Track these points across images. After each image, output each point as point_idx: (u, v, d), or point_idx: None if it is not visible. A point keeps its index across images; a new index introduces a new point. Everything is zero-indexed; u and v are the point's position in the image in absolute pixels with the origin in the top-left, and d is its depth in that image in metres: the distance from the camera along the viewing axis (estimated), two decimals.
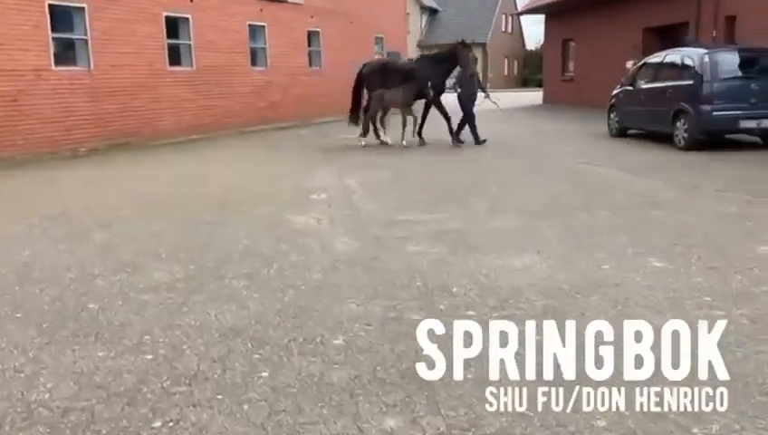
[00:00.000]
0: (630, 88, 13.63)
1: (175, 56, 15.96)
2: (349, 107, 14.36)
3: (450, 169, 10.39)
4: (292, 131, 17.95)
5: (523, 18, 58.61)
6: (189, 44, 16.23)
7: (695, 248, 5.37)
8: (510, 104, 28.91)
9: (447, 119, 13.25)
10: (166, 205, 7.89)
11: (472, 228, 6.31)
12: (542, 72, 32.94)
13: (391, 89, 13.25)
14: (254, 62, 18.91)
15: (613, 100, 14.49)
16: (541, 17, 33.70)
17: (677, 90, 11.68)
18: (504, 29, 57.44)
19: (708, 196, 7.63)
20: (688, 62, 11.76)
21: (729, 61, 11.41)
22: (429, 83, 13.04)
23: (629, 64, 21.29)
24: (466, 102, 13.31)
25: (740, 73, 11.33)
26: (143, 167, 11.60)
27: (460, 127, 13.50)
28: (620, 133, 14.14)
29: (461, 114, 13.50)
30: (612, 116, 14.46)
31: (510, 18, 58.46)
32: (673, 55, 12.57)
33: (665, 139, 12.21)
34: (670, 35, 19.94)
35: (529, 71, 58.14)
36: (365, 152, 12.87)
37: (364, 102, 14.14)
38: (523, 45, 62.01)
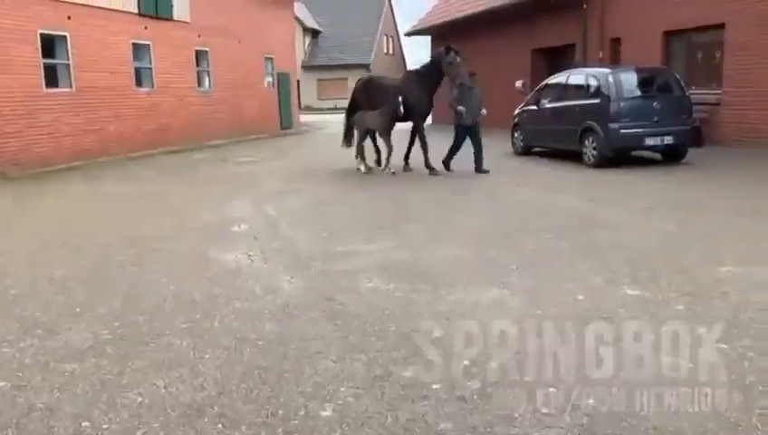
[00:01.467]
0: (535, 107, 13.80)
1: (52, 77, 14.51)
2: (243, 126, 13.44)
3: (371, 192, 9.91)
4: (186, 156, 16.85)
5: (405, 40, 59.88)
6: (68, 64, 14.82)
7: (660, 273, 5.19)
8: (401, 126, 29.12)
9: (425, 145, 11.62)
10: (64, 246, 6.87)
11: (421, 258, 5.86)
12: None
13: (376, 109, 11.78)
14: (139, 83, 17.63)
15: (516, 119, 14.65)
16: (422, 39, 34.33)
17: (585, 109, 11.90)
18: (386, 51, 58.13)
19: (641, 214, 7.63)
20: (593, 81, 12.02)
21: (631, 80, 11.77)
22: (404, 101, 11.23)
23: (519, 84, 21.88)
24: (466, 124, 11.53)
25: (641, 92, 11.71)
26: (26, 201, 10.27)
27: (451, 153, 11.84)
28: (525, 152, 14.29)
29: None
30: (516, 135, 14.61)
31: (391, 40, 59.34)
32: (577, 75, 12.84)
33: (572, 156, 12.40)
34: (558, 56, 20.68)
35: None
36: (273, 176, 12.14)
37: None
38: (405, 67, 63.08)
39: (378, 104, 11.71)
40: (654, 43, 16.01)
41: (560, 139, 12.85)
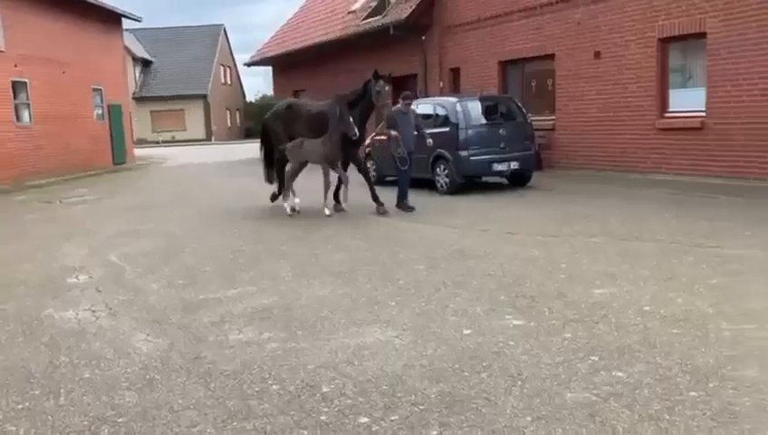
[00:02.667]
0: (385, 137, 13.78)
1: None
2: (71, 162, 12.01)
3: (226, 229, 9.24)
4: (3, 198, 15.05)
5: (242, 70, 58.99)
6: None
7: (538, 299, 5.15)
8: (244, 156, 28.32)
9: (367, 176, 10.65)
10: None
11: (291, 302, 5.41)
12: None
13: (307, 138, 10.24)
14: None
15: (368, 149, 14.56)
16: (262, 69, 33.95)
17: (435, 137, 12.02)
18: (223, 81, 56.85)
19: (505, 239, 7.69)
20: (441, 111, 12.25)
21: (477, 108, 12.12)
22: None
23: None
24: (403, 154, 10.38)
25: (487, 120, 12.08)
26: None
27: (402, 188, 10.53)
28: (379, 181, 14.22)
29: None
30: (369, 164, 14.51)
31: (228, 70, 58.16)
32: (425, 104, 13.02)
33: (425, 184, 12.50)
34: (400, 86, 21.08)
35: (252, 122, 58.21)
36: (112, 218, 11.05)
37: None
38: (244, 97, 62.04)
39: (301, 134, 10.41)
40: (491, 73, 16.77)
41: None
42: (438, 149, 11.84)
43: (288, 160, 10.63)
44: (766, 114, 10.91)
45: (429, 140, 10.54)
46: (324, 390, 3.61)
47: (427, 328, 4.58)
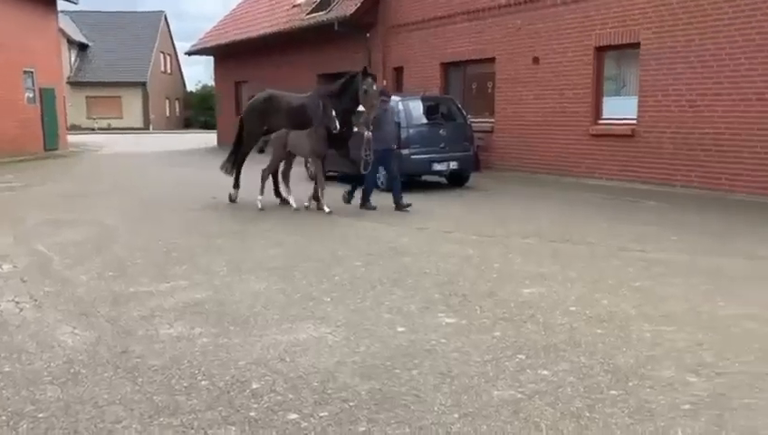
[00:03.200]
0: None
1: None
2: None
3: (162, 221, 9.05)
4: None
5: (183, 59, 57.73)
6: None
7: (470, 298, 5.25)
8: (184, 147, 27.79)
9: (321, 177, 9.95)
10: None
11: (226, 296, 5.35)
12: (215, 113, 32.36)
13: (292, 130, 9.85)
14: None
15: None
16: (202, 58, 33.33)
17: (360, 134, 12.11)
18: (163, 69, 55.51)
19: (441, 238, 7.80)
20: None
21: (418, 108, 12.23)
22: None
23: None
24: (383, 150, 10.04)
25: (428, 120, 12.20)
26: None
27: (355, 185, 10.43)
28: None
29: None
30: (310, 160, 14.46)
31: (169, 58, 56.84)
32: None
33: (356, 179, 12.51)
34: None
35: (192, 112, 57.07)
36: (41, 206, 10.67)
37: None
38: (184, 86, 60.76)
39: (280, 127, 10.00)
40: (433, 73, 16.94)
41: (353, 163, 12.89)
42: None
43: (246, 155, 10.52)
44: (693, 124, 11.39)
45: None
46: (254, 386, 3.60)
47: (362, 325, 4.61)
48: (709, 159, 11.20)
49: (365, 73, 9.80)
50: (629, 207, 10.11)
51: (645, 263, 6.43)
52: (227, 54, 26.45)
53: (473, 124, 13.67)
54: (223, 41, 25.37)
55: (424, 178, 12.95)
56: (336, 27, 18.92)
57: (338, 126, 9.31)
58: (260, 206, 9.87)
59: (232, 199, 10.78)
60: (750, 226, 8.37)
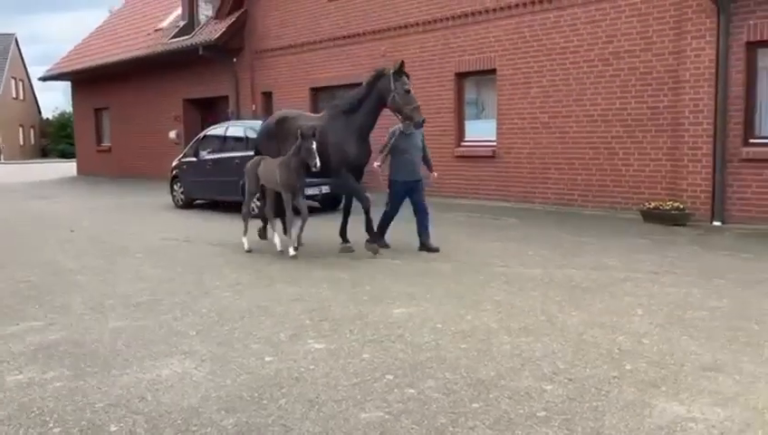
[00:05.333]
0: (194, 159, 13.45)
1: None
2: None
3: (12, 258, 8.40)
4: None
5: (38, 85, 54.33)
6: None
7: (341, 322, 5.28)
8: (41, 177, 26.07)
9: (366, 204, 8.16)
10: None
11: (82, 336, 5.05)
12: (74, 141, 30.64)
13: (264, 158, 8.62)
14: None
15: (176, 171, 14.10)
16: (60, 84, 31.54)
17: (245, 160, 11.87)
18: (14, 95, 52.01)
19: (313, 263, 7.78)
20: (251, 133, 12.16)
21: None
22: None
23: (173, 135, 21.42)
24: (403, 182, 8.35)
25: None
26: None
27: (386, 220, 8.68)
28: (187, 204, 13.82)
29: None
30: (177, 187, 14.05)
31: (21, 84, 53.35)
32: (235, 127, 12.88)
33: (237, 207, 12.29)
34: (211, 107, 20.70)
35: (49, 140, 53.76)
36: None
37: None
38: (39, 113, 57.21)
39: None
40: (303, 98, 17.01)
41: (223, 190, 12.69)
42: None
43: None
44: (547, 144, 12.16)
45: (434, 174, 8.84)
46: (112, 428, 3.42)
47: (229, 357, 4.51)
48: (563, 177, 11.99)
49: (398, 72, 7.86)
50: (492, 225, 10.59)
51: (506, 277, 6.76)
52: (86, 80, 25.21)
53: None
54: (80, 65, 24.16)
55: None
56: (201, 52, 18.59)
57: (317, 162, 7.61)
58: (246, 247, 8.61)
59: (262, 236, 9.27)
60: (599, 238, 9.00)
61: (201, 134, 14.13)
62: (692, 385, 3.86)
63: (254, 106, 18.59)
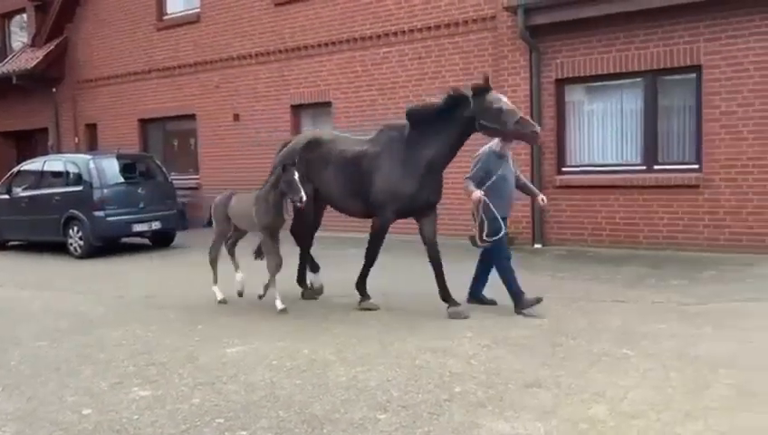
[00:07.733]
0: (7, 196, 12.32)
1: None
2: None
3: None
4: None
5: None
6: None
7: (169, 365, 5.01)
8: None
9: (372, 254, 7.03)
10: None
11: None
12: None
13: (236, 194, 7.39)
14: None
15: None
16: None
17: (67, 197, 11.16)
18: None
19: (141, 304, 7.35)
20: (73, 168, 11.40)
21: (113, 166, 11.52)
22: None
23: None
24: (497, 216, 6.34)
25: (125, 179, 11.56)
26: None
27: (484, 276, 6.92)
28: (0, 246, 12.59)
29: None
30: None
31: None
32: (54, 162, 11.98)
33: (56, 248, 11.43)
34: (29, 140, 19.16)
35: None
36: None
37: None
38: None
39: (329, 186, 6.92)
40: (131, 130, 16.22)
41: (40, 230, 11.74)
42: (71, 210, 11.00)
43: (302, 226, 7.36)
44: None
45: (542, 197, 6.80)
46: None
47: (40, 414, 4.09)
48: None
49: (481, 89, 6.17)
50: (338, 257, 10.59)
51: (346, 308, 6.76)
52: None
53: (177, 182, 13.35)
54: None
55: (126, 240, 12.21)
56: (15, 81, 17.17)
57: (303, 197, 6.25)
58: (219, 297, 7.28)
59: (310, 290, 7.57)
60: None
61: (15, 169, 12.98)
62: (515, 402, 4.06)
63: (76, 139, 17.43)
